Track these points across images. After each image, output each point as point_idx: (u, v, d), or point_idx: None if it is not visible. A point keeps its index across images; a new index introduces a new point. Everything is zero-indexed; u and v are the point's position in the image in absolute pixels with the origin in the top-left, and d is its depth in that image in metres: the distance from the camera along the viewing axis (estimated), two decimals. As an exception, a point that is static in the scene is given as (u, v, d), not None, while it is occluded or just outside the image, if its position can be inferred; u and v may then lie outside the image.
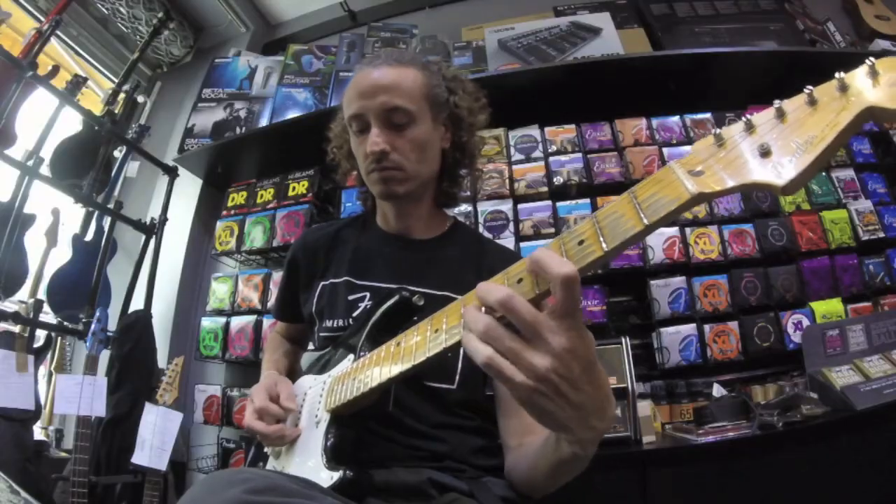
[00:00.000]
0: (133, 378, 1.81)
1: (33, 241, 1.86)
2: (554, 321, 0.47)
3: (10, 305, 1.81)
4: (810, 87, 0.42)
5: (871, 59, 0.39)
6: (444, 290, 0.91)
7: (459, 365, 0.89)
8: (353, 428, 0.76)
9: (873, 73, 0.39)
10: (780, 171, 0.41)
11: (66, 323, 1.88)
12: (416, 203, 0.99)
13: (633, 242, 0.47)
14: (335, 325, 0.93)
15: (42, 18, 2.21)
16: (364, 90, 0.90)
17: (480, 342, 0.49)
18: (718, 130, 0.46)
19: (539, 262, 0.48)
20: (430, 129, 0.95)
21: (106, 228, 2.06)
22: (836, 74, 0.41)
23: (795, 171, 0.40)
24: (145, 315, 1.96)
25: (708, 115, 1.98)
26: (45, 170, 1.77)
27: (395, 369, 0.64)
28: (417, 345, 0.62)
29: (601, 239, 0.48)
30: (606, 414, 0.54)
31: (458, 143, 1.01)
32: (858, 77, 0.40)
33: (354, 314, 0.92)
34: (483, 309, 0.51)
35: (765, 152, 0.42)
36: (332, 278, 0.98)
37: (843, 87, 0.40)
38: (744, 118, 0.45)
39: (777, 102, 0.43)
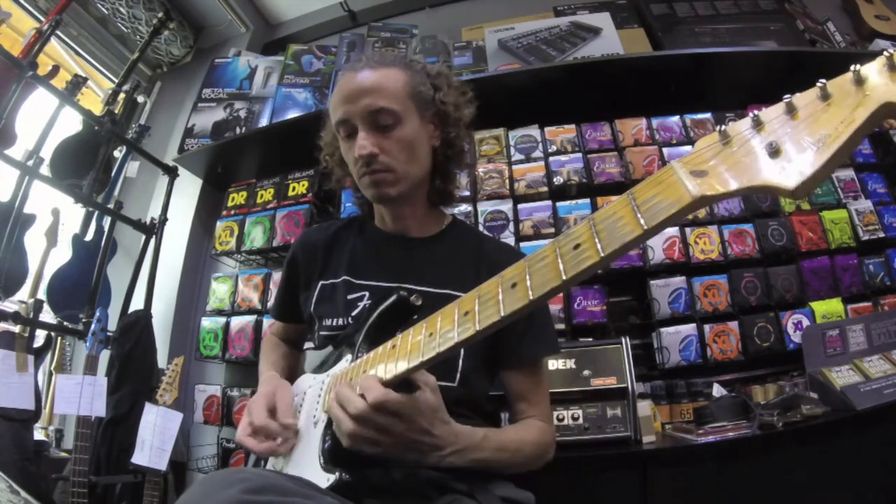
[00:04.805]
0: (133, 378, 1.80)
1: (33, 241, 1.86)
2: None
3: (10, 305, 1.80)
4: (823, 80, 0.38)
5: (890, 49, 0.36)
6: (444, 287, 0.91)
7: (460, 363, 0.89)
8: None
9: (892, 66, 0.35)
10: (790, 172, 0.37)
11: (66, 323, 1.87)
12: (411, 204, 0.99)
13: (632, 248, 0.45)
14: (334, 324, 0.93)
15: (42, 18, 2.21)
16: (347, 95, 0.90)
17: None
18: (724, 127, 0.43)
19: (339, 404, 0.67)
20: (418, 129, 0.93)
21: (106, 228, 2.06)
22: (852, 67, 0.37)
23: (808, 173, 0.36)
24: (145, 315, 1.95)
25: (708, 115, 1.98)
26: (45, 170, 1.77)
27: (391, 372, 0.64)
28: (413, 348, 0.62)
29: (597, 243, 0.46)
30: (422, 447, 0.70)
31: (447, 139, 0.99)
32: (876, 70, 0.36)
33: (353, 313, 0.92)
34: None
35: (774, 151, 0.39)
36: (332, 278, 0.98)
37: (860, 81, 0.37)
38: (751, 114, 0.41)
39: (787, 97, 0.40)
